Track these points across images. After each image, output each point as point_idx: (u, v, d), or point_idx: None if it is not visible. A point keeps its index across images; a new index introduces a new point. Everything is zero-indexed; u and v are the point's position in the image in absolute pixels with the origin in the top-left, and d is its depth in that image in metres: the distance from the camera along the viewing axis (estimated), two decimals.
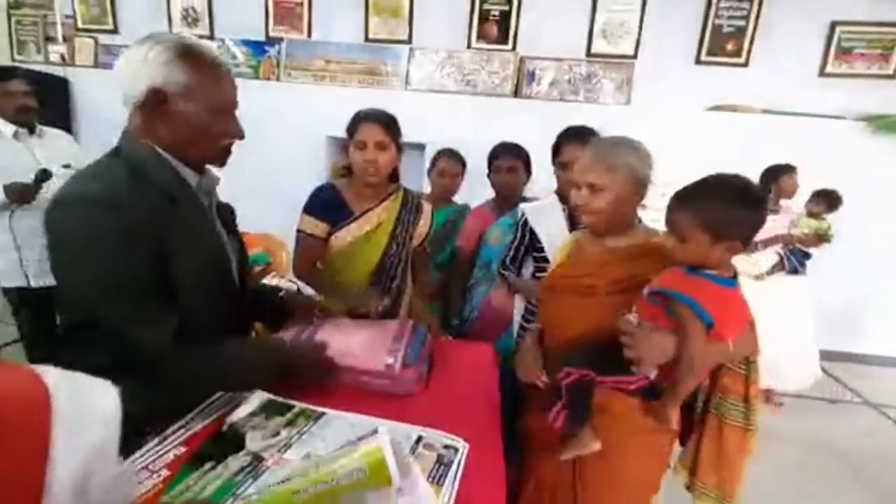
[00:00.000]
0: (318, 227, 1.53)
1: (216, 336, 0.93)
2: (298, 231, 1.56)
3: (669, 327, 0.97)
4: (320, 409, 0.94)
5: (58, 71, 3.91)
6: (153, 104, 0.86)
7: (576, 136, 1.57)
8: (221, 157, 0.98)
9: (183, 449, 0.79)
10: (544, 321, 1.31)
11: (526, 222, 1.69)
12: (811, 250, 2.93)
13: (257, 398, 0.96)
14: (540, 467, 1.20)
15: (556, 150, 1.65)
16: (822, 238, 2.86)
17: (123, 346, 0.82)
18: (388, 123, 1.50)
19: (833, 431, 2.75)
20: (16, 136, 2.10)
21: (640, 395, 1.06)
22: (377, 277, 1.57)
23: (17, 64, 4.00)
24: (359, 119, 1.50)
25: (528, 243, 1.68)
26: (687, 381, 0.99)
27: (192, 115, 0.88)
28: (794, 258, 2.89)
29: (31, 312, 2.17)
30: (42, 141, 2.19)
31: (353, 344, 1.15)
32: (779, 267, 2.91)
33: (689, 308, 0.93)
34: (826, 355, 3.22)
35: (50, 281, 2.14)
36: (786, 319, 2.90)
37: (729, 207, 0.92)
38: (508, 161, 1.99)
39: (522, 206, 1.79)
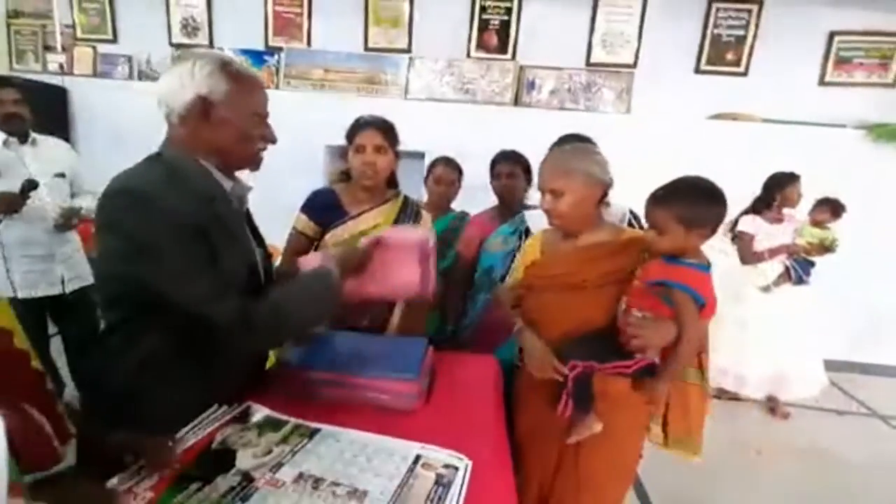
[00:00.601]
0: (308, 227, 1.57)
1: None
2: (292, 229, 1.60)
3: (667, 313, 1.11)
4: (315, 425, 0.90)
5: (56, 80, 3.89)
6: (200, 112, 0.93)
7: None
8: (257, 162, 1.05)
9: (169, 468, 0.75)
10: (528, 319, 1.35)
11: (528, 230, 1.70)
12: (815, 259, 2.88)
13: (256, 414, 0.92)
14: (535, 458, 1.29)
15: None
16: (827, 248, 2.82)
17: (205, 323, 0.86)
18: (387, 129, 1.56)
19: (840, 442, 2.70)
20: (6, 144, 2.07)
21: (638, 375, 1.18)
22: None
23: (15, 73, 3.99)
24: (358, 125, 1.56)
25: None
26: (687, 357, 1.15)
27: (233, 120, 0.96)
28: (800, 268, 2.85)
29: (20, 324, 2.12)
30: (35, 150, 2.16)
31: None
32: (785, 277, 2.86)
33: (687, 295, 1.09)
34: (833, 365, 3.18)
35: (37, 292, 2.12)
36: (792, 330, 2.86)
37: (698, 203, 1.11)
38: (508, 167, 1.99)
39: (526, 213, 1.79)
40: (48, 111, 3.67)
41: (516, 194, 2.00)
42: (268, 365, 1.23)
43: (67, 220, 2.14)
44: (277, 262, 2.12)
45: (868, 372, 3.69)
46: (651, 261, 1.17)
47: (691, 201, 1.10)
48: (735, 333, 2.93)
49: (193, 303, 0.85)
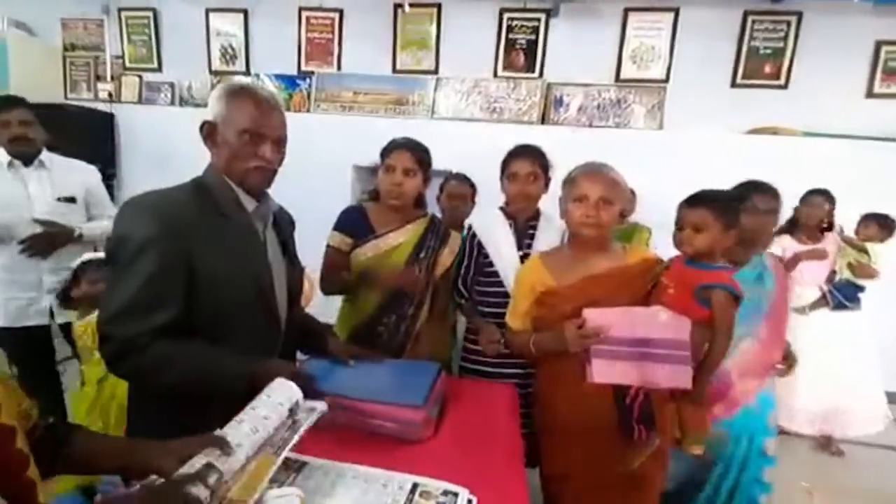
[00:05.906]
0: (343, 242, 1.60)
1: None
2: (326, 246, 1.63)
3: (703, 313, 1.15)
4: (302, 459, 0.86)
5: (105, 107, 4.14)
6: (207, 135, 1.02)
7: (525, 152, 1.69)
8: (255, 180, 1.04)
9: None
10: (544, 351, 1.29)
11: (474, 235, 1.71)
12: (863, 283, 2.64)
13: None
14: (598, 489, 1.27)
15: (505, 164, 1.71)
16: (866, 270, 2.55)
17: (101, 341, 0.90)
18: (419, 152, 1.57)
19: None
20: (10, 166, 1.96)
21: None
22: (393, 298, 1.57)
23: (69, 101, 4.27)
24: (391, 145, 1.59)
25: (478, 260, 1.69)
26: (724, 349, 1.18)
27: (226, 140, 1.00)
28: (840, 293, 2.61)
29: (9, 353, 2.05)
30: (41, 173, 2.02)
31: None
32: (822, 303, 2.64)
33: (728, 293, 1.15)
34: (892, 398, 2.92)
35: (29, 322, 2.00)
36: (843, 359, 2.64)
37: (734, 206, 1.21)
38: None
39: (470, 221, 1.84)
40: (97, 135, 3.96)
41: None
42: None
43: (39, 244, 1.97)
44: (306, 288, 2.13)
45: None
46: (677, 268, 1.22)
47: (729, 203, 1.20)
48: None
49: (103, 317, 0.89)
